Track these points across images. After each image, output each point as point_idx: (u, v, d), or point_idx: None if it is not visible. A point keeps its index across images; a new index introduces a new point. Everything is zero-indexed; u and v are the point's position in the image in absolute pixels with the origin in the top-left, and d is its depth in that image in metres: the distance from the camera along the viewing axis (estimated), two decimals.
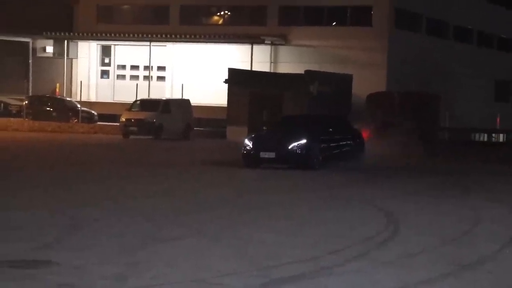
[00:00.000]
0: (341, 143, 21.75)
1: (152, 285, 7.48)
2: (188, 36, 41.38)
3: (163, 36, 41.70)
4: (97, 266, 8.22)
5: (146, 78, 42.75)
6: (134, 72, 44.00)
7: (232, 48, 41.81)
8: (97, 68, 44.40)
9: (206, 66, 41.93)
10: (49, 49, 44.15)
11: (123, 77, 44.38)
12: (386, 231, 11.06)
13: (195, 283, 7.63)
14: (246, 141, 20.84)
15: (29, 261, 8.34)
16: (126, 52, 44.09)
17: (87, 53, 44.02)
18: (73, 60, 44.03)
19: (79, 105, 39.10)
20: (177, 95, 39.51)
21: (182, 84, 39.41)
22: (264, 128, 22.56)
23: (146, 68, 43.05)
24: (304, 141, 20.28)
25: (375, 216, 12.69)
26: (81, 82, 41.18)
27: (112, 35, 42.42)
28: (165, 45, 42.96)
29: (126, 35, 42.18)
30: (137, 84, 40.14)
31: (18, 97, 40.99)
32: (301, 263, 8.61)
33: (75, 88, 42.64)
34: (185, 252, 9.15)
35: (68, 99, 40.94)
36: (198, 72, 42.08)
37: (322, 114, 25.72)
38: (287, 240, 10.06)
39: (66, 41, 43.28)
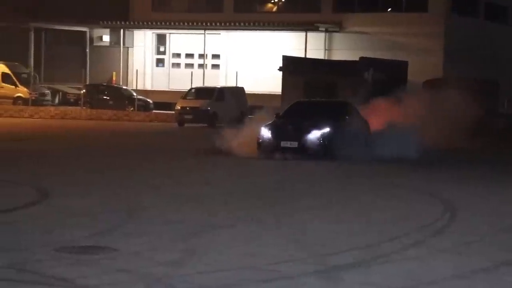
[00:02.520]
0: (354, 130, 19.65)
1: (208, 272, 7.52)
2: (242, 24, 41.42)
3: (218, 24, 41.83)
4: (153, 252, 8.31)
5: (201, 66, 42.96)
6: (189, 60, 44.26)
7: (286, 36, 41.72)
8: (152, 56, 44.79)
9: (260, 54, 41.92)
10: (106, 38, 44.73)
11: (178, 65, 44.69)
12: (442, 218, 10.93)
13: (251, 270, 7.66)
14: (264, 130, 19.30)
15: (88, 247, 8.48)
16: (181, 41, 44.38)
17: (142, 41, 44.44)
18: (129, 48, 44.51)
19: (135, 94, 39.52)
20: (231, 83, 39.63)
21: (237, 72, 39.50)
22: (275, 116, 20.40)
23: (201, 56, 43.26)
24: (327, 129, 19.11)
25: (430, 203, 12.54)
26: (137, 70, 41.61)
27: (167, 23, 42.73)
28: (220, 33, 43.10)
29: (181, 23, 42.43)
30: (192, 72, 40.39)
31: (76, 86, 41.66)
32: (357, 251, 8.57)
33: (131, 76, 43.12)
34: (240, 239, 9.19)
35: (124, 87, 41.43)
36: (252, 59, 42.11)
37: (333, 100, 23.60)
38: (342, 228, 10.01)
39: (122, 30, 43.76)
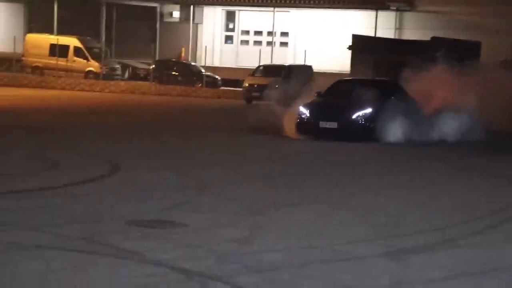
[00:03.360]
0: (400, 111, 18.28)
1: (276, 250, 7.53)
2: (312, 2, 41.14)
3: (287, 2, 41.63)
4: (221, 229, 8.36)
5: (269, 44, 42.88)
6: (258, 38, 44.23)
7: (356, 14, 41.28)
8: (221, 33, 44.92)
9: (329, 32, 41.60)
10: (176, 14, 45.02)
11: (246, 42, 44.72)
12: None
13: (320, 249, 7.63)
14: (302, 109, 18.29)
15: (157, 221, 8.58)
16: (250, 18, 44.35)
17: (212, 18, 44.58)
18: (198, 25, 44.71)
19: (203, 70, 39.72)
20: (299, 61, 39.45)
21: (305, 50, 39.29)
22: (316, 94, 19.22)
23: (270, 34, 43.16)
24: (369, 109, 17.92)
25: (503, 188, 12.27)
26: (206, 47, 41.77)
27: (237, 0, 42.73)
28: (289, 11, 42.90)
29: (251, 0, 42.37)
30: (260, 50, 40.36)
31: (145, 61, 42.10)
32: (427, 233, 8.45)
33: (200, 53, 43.34)
34: (307, 217, 9.16)
35: (192, 63, 41.68)
36: (321, 38, 41.82)
37: (378, 79, 21.46)
38: (411, 209, 9.89)
39: (192, 6, 43.97)
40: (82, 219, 8.51)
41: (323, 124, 17.92)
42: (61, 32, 42.20)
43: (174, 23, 45.08)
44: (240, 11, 44.55)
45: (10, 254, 7.07)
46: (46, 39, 40.99)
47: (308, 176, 12.69)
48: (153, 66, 40.05)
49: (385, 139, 17.69)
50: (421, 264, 7.20)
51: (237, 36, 44.81)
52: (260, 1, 42.17)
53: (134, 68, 42.64)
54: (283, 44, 43.43)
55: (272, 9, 42.26)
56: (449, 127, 18.98)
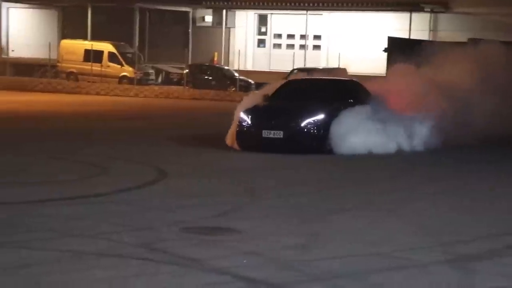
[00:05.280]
0: (361, 117, 15.72)
1: (335, 258, 7.46)
2: (345, 5, 41.00)
3: (320, 4, 41.55)
4: (277, 236, 8.30)
5: (302, 47, 42.82)
6: (290, 41, 44.18)
7: (389, 16, 41.06)
8: (254, 37, 44.93)
9: (363, 35, 41.43)
10: (208, 18, 45.14)
11: (279, 46, 44.68)
12: None
13: (379, 257, 7.54)
14: (243, 115, 15.68)
15: (212, 228, 8.55)
16: (283, 21, 44.31)
17: (244, 22, 44.61)
18: (231, 29, 44.78)
19: (236, 74, 39.75)
20: (332, 64, 39.33)
21: (339, 53, 39.17)
22: (263, 97, 16.63)
23: (302, 37, 43.09)
24: (321, 116, 15.35)
25: None
26: (239, 51, 41.81)
27: (269, 4, 42.73)
28: (322, 14, 42.81)
29: (283, 4, 42.34)
30: (293, 53, 40.29)
31: (178, 66, 42.26)
32: (485, 240, 8.33)
33: (232, 57, 43.39)
34: (362, 224, 9.08)
35: (226, 67, 41.74)
36: (354, 40, 41.67)
37: (336, 78, 18.74)
38: (466, 217, 9.75)
39: (224, 11, 44.04)
40: (136, 226, 8.50)
41: (266, 134, 15.31)
42: (94, 37, 42.51)
43: (207, 27, 45.19)
44: (273, 15, 44.53)
45: (72, 262, 7.08)
46: (80, 45, 41.32)
47: (364, 181, 12.57)
48: (187, 70, 40.18)
49: (340, 150, 15.32)
50: (488, 273, 7.08)
51: (269, 39, 44.79)
52: (292, 4, 42.12)
53: (167, 72, 42.82)
54: (316, 47, 43.33)
55: (304, 12, 42.20)
56: (420, 133, 16.51)
